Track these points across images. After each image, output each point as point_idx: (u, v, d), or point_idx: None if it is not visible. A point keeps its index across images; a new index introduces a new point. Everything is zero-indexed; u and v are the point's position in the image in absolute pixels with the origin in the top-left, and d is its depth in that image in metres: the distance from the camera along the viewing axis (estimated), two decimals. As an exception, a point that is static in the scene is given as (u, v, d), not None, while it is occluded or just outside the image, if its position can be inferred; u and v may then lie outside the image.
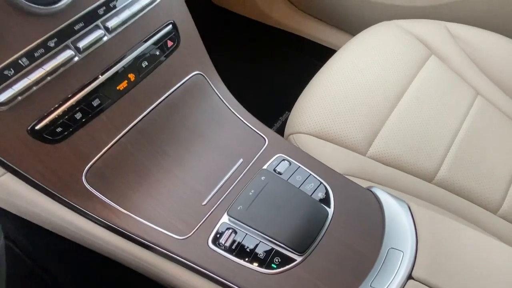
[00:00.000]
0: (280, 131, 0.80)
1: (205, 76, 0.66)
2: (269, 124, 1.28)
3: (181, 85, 0.63)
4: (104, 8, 0.53)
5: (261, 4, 1.38)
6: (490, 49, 0.89)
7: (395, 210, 0.56)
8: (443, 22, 0.93)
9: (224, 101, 0.66)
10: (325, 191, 0.58)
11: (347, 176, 0.66)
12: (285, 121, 0.81)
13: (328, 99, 0.77)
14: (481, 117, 0.81)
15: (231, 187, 0.58)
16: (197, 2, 1.24)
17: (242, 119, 0.66)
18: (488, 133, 0.80)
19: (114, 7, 0.54)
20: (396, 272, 0.49)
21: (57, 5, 0.48)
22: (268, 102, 1.32)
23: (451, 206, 0.73)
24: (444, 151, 0.76)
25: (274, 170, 0.60)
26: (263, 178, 0.57)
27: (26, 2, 0.45)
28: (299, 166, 0.60)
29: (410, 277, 0.49)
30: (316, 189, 0.58)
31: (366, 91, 0.79)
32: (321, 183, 0.58)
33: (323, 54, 1.09)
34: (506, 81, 0.88)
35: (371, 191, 0.60)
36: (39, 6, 0.46)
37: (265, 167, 0.60)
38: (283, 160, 0.61)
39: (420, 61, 0.86)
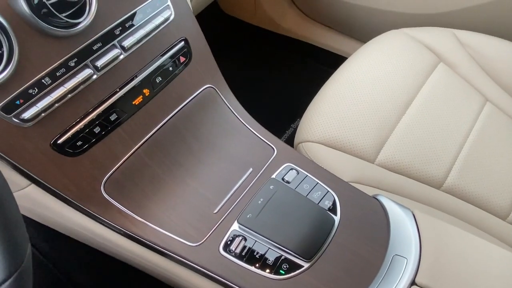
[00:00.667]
0: (292, 138, 0.82)
1: (216, 89, 0.69)
2: (281, 132, 1.31)
3: (193, 98, 0.66)
4: (120, 28, 0.56)
5: (271, 13, 1.41)
6: (499, 56, 0.90)
7: (399, 218, 0.57)
8: (451, 29, 0.94)
9: (235, 112, 0.69)
10: (332, 199, 0.60)
11: (355, 184, 0.68)
12: (297, 128, 0.83)
13: (337, 108, 0.79)
14: (490, 123, 0.82)
15: (241, 196, 0.61)
16: (209, 12, 1.28)
17: (252, 129, 0.68)
18: (497, 139, 0.81)
19: (130, 27, 0.57)
20: (400, 278, 0.50)
21: (76, 28, 0.51)
22: (280, 110, 1.35)
23: (460, 212, 0.74)
24: (452, 158, 0.77)
25: (283, 179, 0.62)
26: (271, 187, 0.59)
27: (48, 26, 0.49)
28: (307, 175, 0.62)
29: (413, 283, 0.50)
30: (323, 198, 0.60)
31: (374, 100, 0.80)
32: (328, 191, 0.60)
33: (333, 61, 1.11)
34: (515, 86, 0.88)
35: (376, 199, 0.61)
36: (60, 29, 0.50)
37: (273, 176, 0.62)
38: (291, 169, 0.63)
39: (429, 68, 0.87)
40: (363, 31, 1.23)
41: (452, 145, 0.78)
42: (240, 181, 0.62)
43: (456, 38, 0.93)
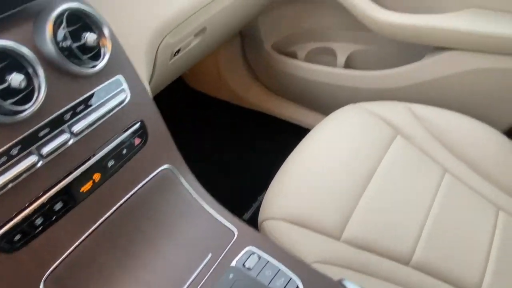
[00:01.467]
0: (258, 212, 0.80)
1: (173, 169, 0.66)
2: (247, 205, 1.28)
3: (148, 180, 0.63)
4: (71, 113, 0.54)
5: (235, 87, 1.45)
6: (452, 128, 0.93)
7: (367, 306, 0.54)
8: (407, 103, 0.98)
9: (193, 193, 0.66)
10: (295, 286, 0.56)
11: (321, 265, 0.65)
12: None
13: (299, 184, 0.78)
14: (451, 194, 0.83)
15: (199, 286, 0.56)
16: (175, 86, 1.30)
17: (211, 211, 0.65)
18: (459, 210, 0.81)
19: (81, 111, 0.55)
20: None
21: (22, 115, 0.49)
22: (247, 182, 1.33)
23: (430, 290, 0.71)
24: (417, 232, 0.76)
25: (243, 265, 0.58)
26: (231, 276, 0.55)
27: (-10, 113, 0.46)
28: (268, 261, 0.58)
29: None
30: (286, 285, 0.56)
31: (335, 175, 0.80)
32: (290, 278, 0.57)
33: (297, 133, 1.13)
34: (470, 156, 0.91)
35: (342, 284, 0.58)
36: (4, 116, 0.47)
37: (233, 262, 0.59)
38: (252, 253, 0.60)
39: (387, 142, 0.89)
40: (323, 105, 1.28)
41: (415, 219, 0.77)
42: (198, 269, 0.58)
43: (411, 111, 0.96)
